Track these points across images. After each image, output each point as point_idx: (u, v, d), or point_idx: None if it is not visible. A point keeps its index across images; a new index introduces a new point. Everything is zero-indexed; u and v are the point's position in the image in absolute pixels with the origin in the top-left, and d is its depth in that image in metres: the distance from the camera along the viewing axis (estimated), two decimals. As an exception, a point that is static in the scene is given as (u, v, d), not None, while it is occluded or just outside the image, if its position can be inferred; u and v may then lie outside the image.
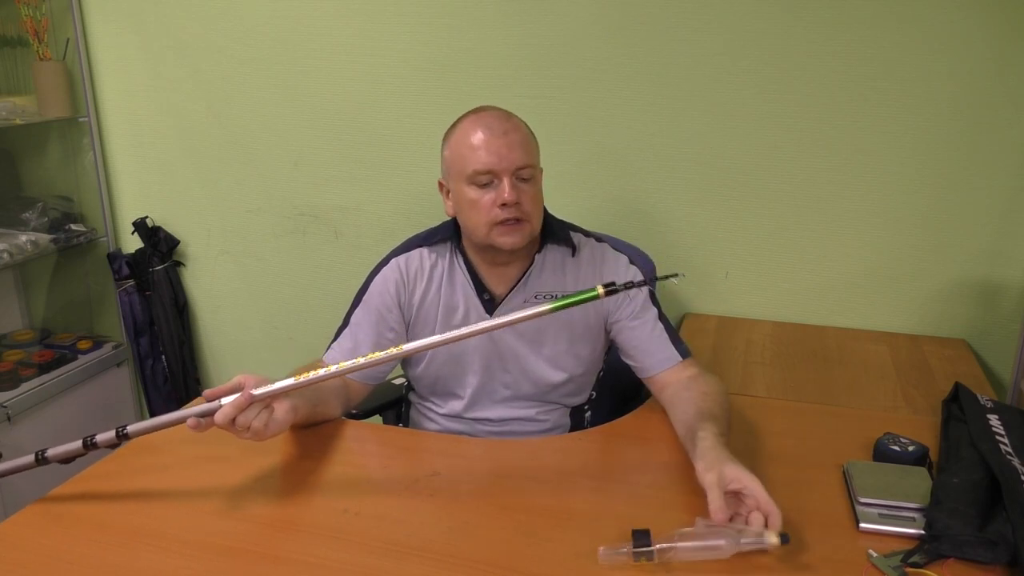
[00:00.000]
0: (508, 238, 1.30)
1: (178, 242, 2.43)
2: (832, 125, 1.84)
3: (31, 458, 1.13)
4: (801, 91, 1.83)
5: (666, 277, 1.14)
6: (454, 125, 1.36)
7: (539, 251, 1.40)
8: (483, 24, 1.99)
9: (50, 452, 1.12)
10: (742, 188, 1.93)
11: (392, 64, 2.09)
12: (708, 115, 1.90)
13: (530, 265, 1.40)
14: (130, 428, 1.11)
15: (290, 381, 1.13)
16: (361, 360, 1.14)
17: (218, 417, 1.08)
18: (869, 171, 1.84)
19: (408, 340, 1.44)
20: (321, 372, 1.14)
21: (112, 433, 1.11)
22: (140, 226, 2.39)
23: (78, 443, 1.12)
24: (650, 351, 1.37)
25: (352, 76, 2.13)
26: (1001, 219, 1.80)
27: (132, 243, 2.46)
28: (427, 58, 2.06)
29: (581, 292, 1.11)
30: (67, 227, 2.41)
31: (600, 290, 1.09)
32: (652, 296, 1.42)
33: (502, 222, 1.29)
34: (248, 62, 2.21)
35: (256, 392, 1.10)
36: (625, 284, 1.11)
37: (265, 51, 2.18)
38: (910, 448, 1.18)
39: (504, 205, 1.28)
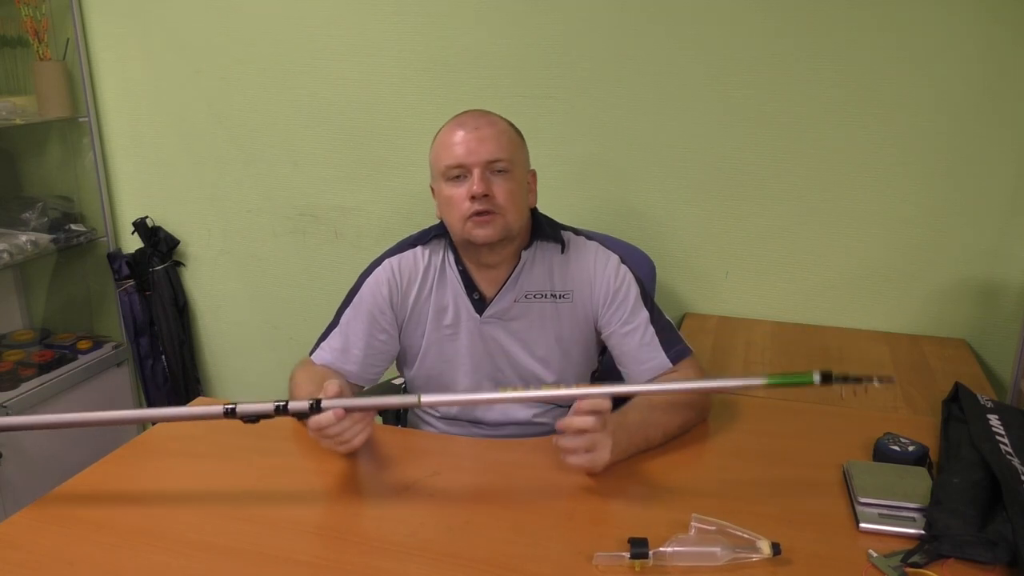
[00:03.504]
0: (481, 230, 1.30)
1: (178, 242, 2.43)
2: (832, 125, 1.83)
3: (219, 409, 1.10)
4: (801, 91, 1.83)
5: (881, 379, 1.02)
6: (439, 130, 1.38)
7: (527, 248, 1.39)
8: (482, 24, 1.99)
9: (240, 407, 1.10)
10: (742, 188, 1.93)
11: (392, 64, 2.09)
12: (708, 115, 1.90)
13: (517, 262, 1.39)
14: (324, 402, 1.10)
15: (378, 400, 1.16)
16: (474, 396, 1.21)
17: (311, 422, 1.10)
18: (869, 171, 1.84)
19: (401, 341, 1.44)
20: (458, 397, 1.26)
21: (305, 404, 1.10)
22: (140, 226, 2.40)
23: (270, 405, 1.10)
24: (640, 359, 1.36)
25: (352, 76, 2.13)
26: (1001, 219, 1.80)
27: (132, 243, 2.46)
28: (426, 58, 2.06)
29: (795, 375, 1.02)
30: (67, 227, 2.41)
31: (815, 378, 1.00)
32: (644, 296, 1.39)
33: (474, 215, 1.30)
34: (248, 62, 2.21)
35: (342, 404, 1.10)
36: (842, 375, 1.00)
37: (265, 51, 2.18)
38: (910, 448, 1.18)
39: (473, 198, 1.29)
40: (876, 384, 1.01)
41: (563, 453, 1.12)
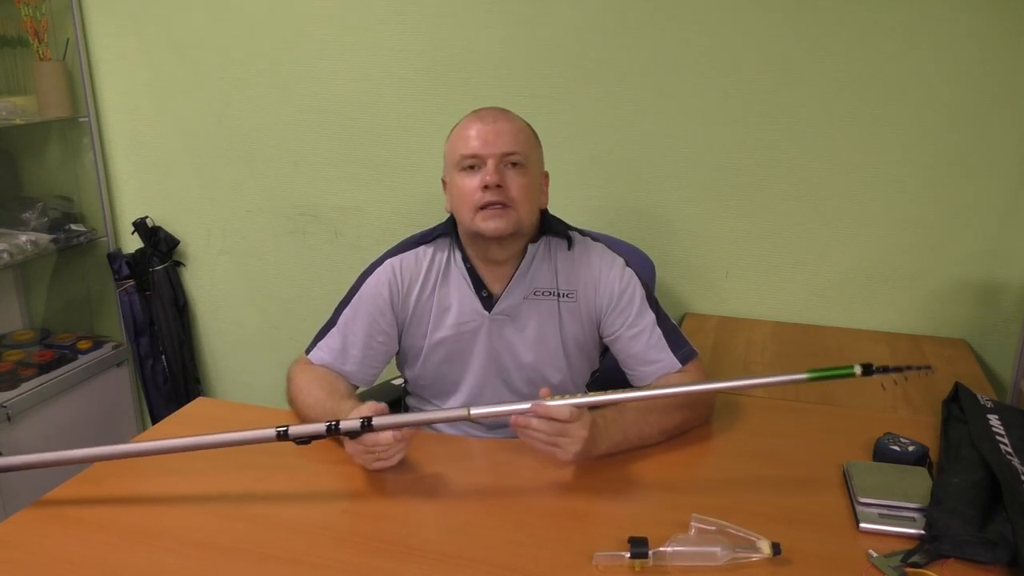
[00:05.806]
0: (491, 223, 1.29)
1: (178, 242, 2.43)
2: (832, 125, 1.84)
3: (272, 432, 1.11)
4: (801, 91, 1.83)
5: (920, 368, 1.08)
6: (456, 124, 1.38)
7: (534, 242, 1.38)
8: (483, 24, 1.99)
9: (292, 430, 1.11)
10: (742, 188, 1.93)
11: (392, 64, 2.09)
12: (708, 115, 1.90)
13: (523, 257, 1.38)
14: (376, 420, 1.10)
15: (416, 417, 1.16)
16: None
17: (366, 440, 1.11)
18: (869, 171, 1.84)
19: (402, 342, 1.43)
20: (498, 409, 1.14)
21: (357, 422, 1.11)
22: (140, 226, 2.40)
23: (322, 426, 1.11)
24: (648, 360, 1.35)
25: (352, 76, 2.13)
26: (1001, 219, 1.80)
27: (132, 243, 2.46)
28: (427, 58, 2.06)
29: (836, 368, 1.08)
30: (67, 227, 2.41)
31: (856, 370, 1.06)
32: (649, 298, 1.39)
33: (485, 206, 1.29)
34: (248, 62, 2.21)
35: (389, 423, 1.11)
36: (882, 366, 1.07)
37: (265, 51, 2.18)
38: (910, 448, 1.18)
39: (486, 187, 1.28)
40: (916, 372, 1.05)
41: (526, 437, 1.12)
